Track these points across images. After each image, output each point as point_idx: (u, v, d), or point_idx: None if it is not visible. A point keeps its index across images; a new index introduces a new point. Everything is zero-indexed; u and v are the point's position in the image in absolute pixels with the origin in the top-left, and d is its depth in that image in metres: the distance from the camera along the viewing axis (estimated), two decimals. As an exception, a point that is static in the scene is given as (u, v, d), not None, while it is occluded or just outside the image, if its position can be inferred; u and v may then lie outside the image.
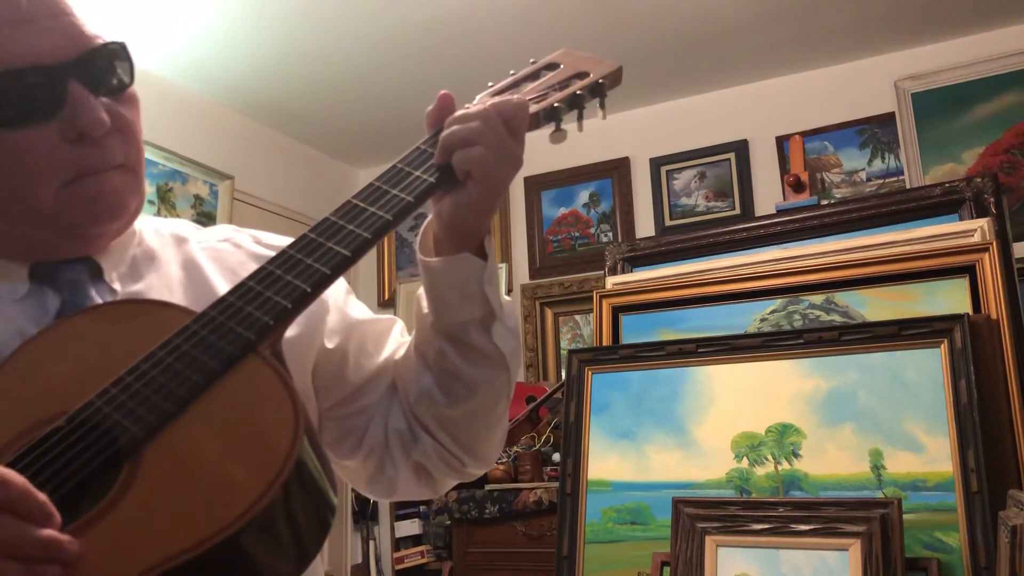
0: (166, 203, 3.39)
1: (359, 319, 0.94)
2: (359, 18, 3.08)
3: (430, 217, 0.83)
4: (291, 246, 0.72)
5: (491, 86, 0.87)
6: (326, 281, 0.70)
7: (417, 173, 0.77)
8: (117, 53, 0.80)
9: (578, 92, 0.85)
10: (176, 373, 0.63)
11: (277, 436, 0.59)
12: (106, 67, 0.79)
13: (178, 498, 0.57)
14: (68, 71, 0.76)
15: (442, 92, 0.82)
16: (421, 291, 0.85)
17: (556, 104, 0.84)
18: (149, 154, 3.34)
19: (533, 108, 0.83)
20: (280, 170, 3.95)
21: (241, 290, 0.69)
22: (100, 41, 0.79)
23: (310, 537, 0.61)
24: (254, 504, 0.55)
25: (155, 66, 3.33)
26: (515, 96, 0.82)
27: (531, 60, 0.91)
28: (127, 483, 0.58)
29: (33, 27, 0.75)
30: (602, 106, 0.87)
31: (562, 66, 0.89)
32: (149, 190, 3.33)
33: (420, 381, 0.86)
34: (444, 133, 0.78)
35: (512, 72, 0.89)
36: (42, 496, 0.54)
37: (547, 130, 0.86)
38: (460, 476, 0.93)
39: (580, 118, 0.87)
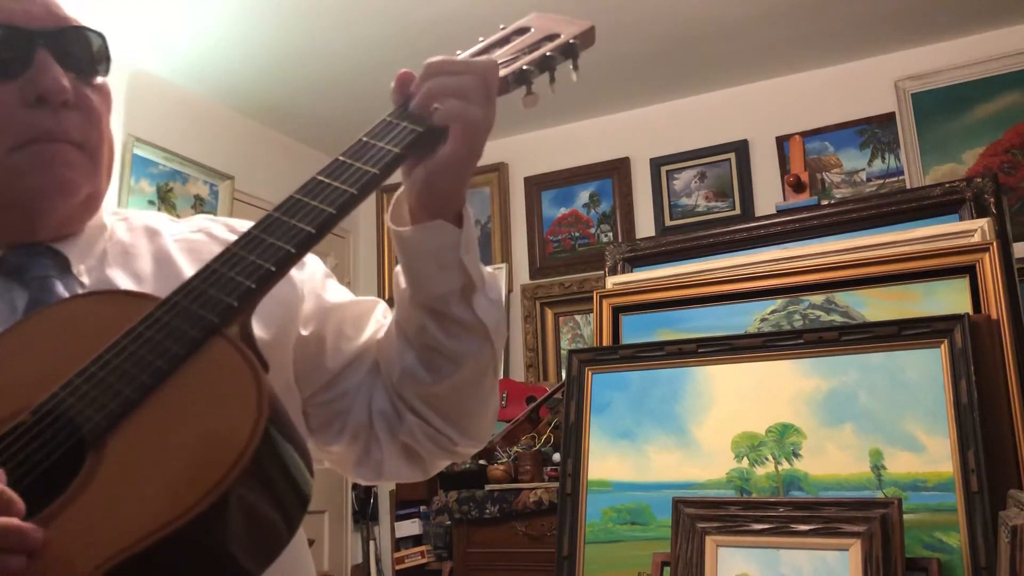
0: (166, 203, 3.39)
1: (336, 303, 0.91)
2: (359, 18, 3.08)
3: (402, 188, 0.80)
4: (255, 226, 0.70)
5: (459, 53, 0.84)
6: (290, 259, 0.67)
7: (383, 145, 0.75)
8: (93, 40, 0.82)
9: (548, 54, 0.83)
10: (139, 360, 0.62)
11: (240, 420, 0.57)
12: (79, 48, 0.80)
13: (141, 485, 0.57)
14: (39, 38, 0.77)
15: (402, 71, 0.80)
16: (399, 267, 0.82)
17: (525, 67, 0.82)
18: (149, 154, 3.34)
19: (502, 72, 0.81)
20: (280, 170, 3.96)
21: (205, 273, 0.67)
22: (77, 23, 0.81)
23: (283, 518, 0.60)
24: (213, 488, 0.54)
25: (155, 66, 3.33)
26: (484, 57, 0.81)
27: (500, 25, 0.88)
28: (91, 472, 0.58)
29: None
30: (575, 67, 0.84)
31: (532, 29, 0.87)
32: (149, 190, 3.33)
33: (403, 359, 0.84)
34: (431, 82, 0.76)
35: (481, 38, 0.87)
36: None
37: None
38: (451, 455, 0.90)
39: (552, 80, 0.84)
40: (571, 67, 0.85)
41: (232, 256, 0.68)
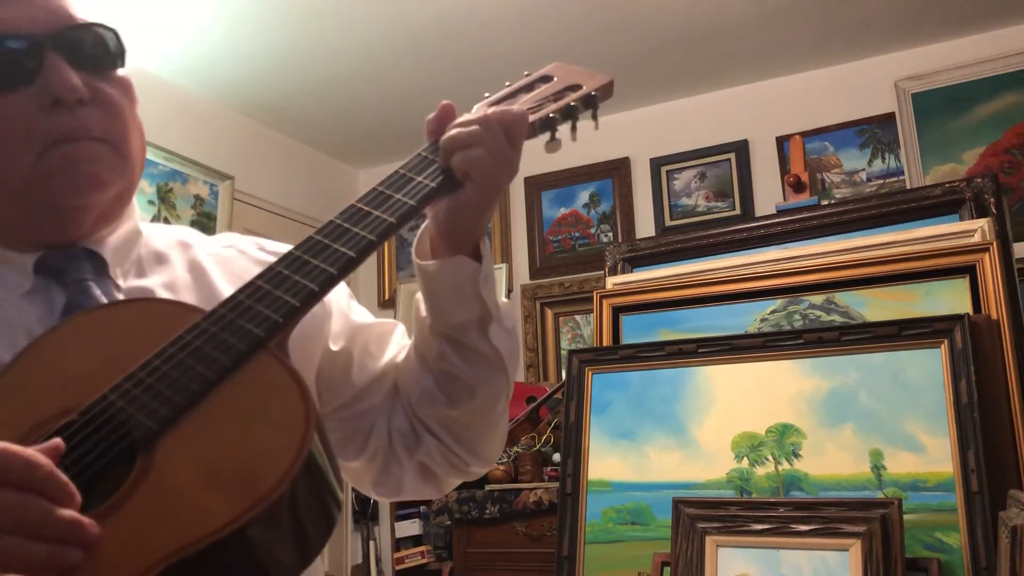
0: (166, 203, 3.39)
1: (362, 323, 0.96)
2: (358, 18, 3.08)
3: (426, 222, 0.85)
4: (297, 247, 0.74)
5: (487, 96, 0.90)
6: (333, 281, 0.71)
7: (419, 179, 0.80)
8: (104, 35, 0.83)
9: (572, 104, 0.88)
10: (188, 368, 0.64)
11: (289, 430, 0.60)
12: (89, 45, 0.81)
13: (191, 490, 0.58)
14: (47, 41, 0.78)
15: (444, 102, 0.85)
16: (419, 295, 0.87)
17: (551, 115, 0.87)
18: (149, 154, 3.33)
19: (531, 118, 0.86)
20: (280, 170, 3.95)
21: (250, 289, 0.71)
22: (83, 20, 0.82)
23: (317, 530, 0.62)
24: (265, 496, 0.56)
25: (155, 66, 3.33)
26: (515, 107, 0.85)
27: (525, 72, 0.94)
28: (141, 475, 0.59)
29: (18, 2, 0.79)
30: (594, 117, 0.91)
31: (555, 78, 0.92)
32: (149, 190, 3.33)
33: (421, 383, 0.88)
34: (445, 136, 0.81)
35: (508, 83, 0.92)
36: (64, 477, 0.55)
37: (543, 139, 0.88)
38: (463, 475, 0.95)
39: (574, 128, 0.90)
40: (591, 116, 0.91)
41: (276, 275, 0.72)
